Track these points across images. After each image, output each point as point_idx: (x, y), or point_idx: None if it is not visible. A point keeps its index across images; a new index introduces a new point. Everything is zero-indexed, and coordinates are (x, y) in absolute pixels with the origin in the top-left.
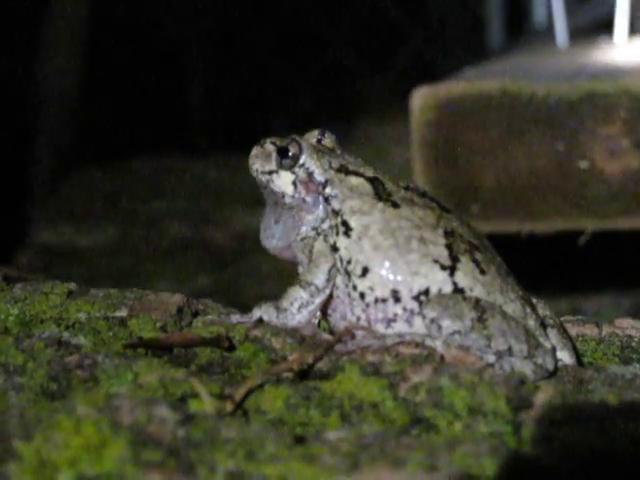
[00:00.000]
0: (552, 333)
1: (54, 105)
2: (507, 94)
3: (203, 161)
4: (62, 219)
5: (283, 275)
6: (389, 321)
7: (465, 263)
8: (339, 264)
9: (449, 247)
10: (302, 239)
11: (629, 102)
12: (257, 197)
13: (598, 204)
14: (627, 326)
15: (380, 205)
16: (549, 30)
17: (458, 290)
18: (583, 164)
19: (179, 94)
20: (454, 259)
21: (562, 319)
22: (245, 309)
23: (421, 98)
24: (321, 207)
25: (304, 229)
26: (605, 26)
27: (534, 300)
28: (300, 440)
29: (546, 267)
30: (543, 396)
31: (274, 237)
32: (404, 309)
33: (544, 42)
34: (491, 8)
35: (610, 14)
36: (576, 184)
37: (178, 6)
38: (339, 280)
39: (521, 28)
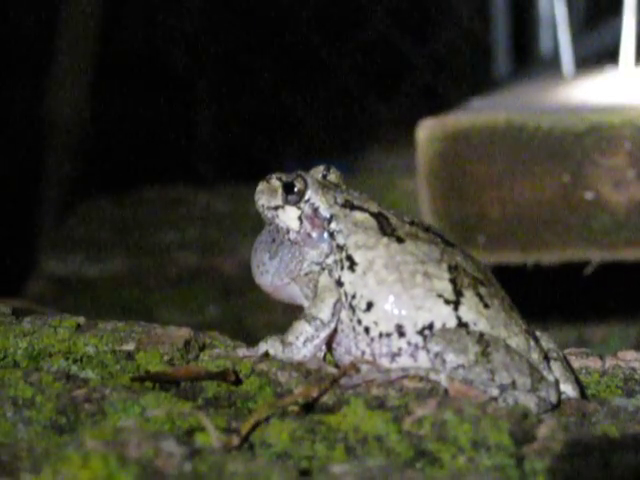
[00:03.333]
0: (555, 366)
1: (62, 135)
2: (513, 126)
3: (211, 191)
4: (71, 249)
5: (291, 304)
6: (394, 355)
7: (469, 297)
8: (344, 299)
9: (453, 281)
10: (306, 274)
11: (634, 133)
12: (263, 226)
13: (604, 235)
14: (630, 358)
15: (385, 240)
16: (556, 58)
17: (462, 324)
18: (588, 195)
19: (187, 125)
20: (458, 293)
21: (566, 351)
22: (254, 338)
23: (427, 130)
24: (326, 242)
25: (308, 264)
26: (612, 54)
27: (538, 333)
28: (305, 473)
29: (553, 298)
30: (546, 429)
31: (269, 272)
32: (408, 343)
33: (550, 71)
34: (497, 36)
35: (617, 42)
36: (582, 215)
37: (187, 38)
38: (344, 314)
39: (528, 56)
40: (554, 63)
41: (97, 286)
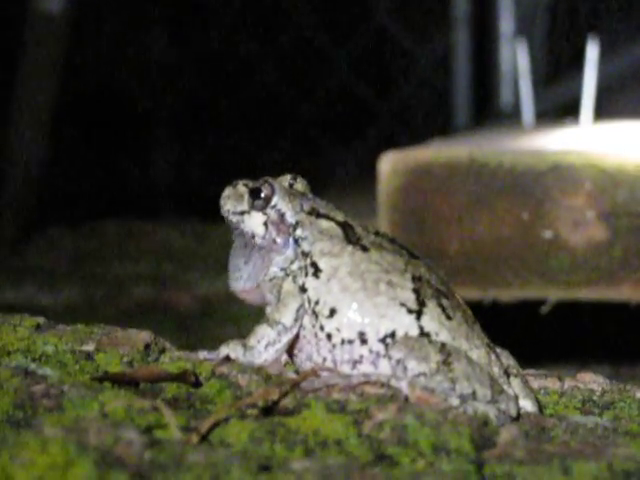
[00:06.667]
0: (515, 382)
1: (20, 166)
2: (474, 162)
3: (168, 226)
4: (25, 279)
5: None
6: (355, 362)
7: (432, 308)
8: (307, 305)
9: (416, 291)
10: (270, 279)
11: (594, 174)
12: (221, 262)
13: (561, 274)
14: (589, 380)
15: (349, 248)
16: (516, 112)
17: (424, 334)
18: (547, 234)
19: (146, 160)
20: (421, 303)
21: (525, 372)
22: None
23: (389, 163)
24: (291, 248)
25: (273, 270)
26: (572, 109)
27: (498, 349)
28: (265, 468)
29: (508, 336)
30: (506, 436)
31: (242, 278)
32: (370, 351)
33: (510, 123)
34: (458, 88)
35: (577, 97)
36: (540, 253)
37: (147, 75)
38: (306, 320)
39: (488, 108)
40: (514, 116)
41: (49, 316)
